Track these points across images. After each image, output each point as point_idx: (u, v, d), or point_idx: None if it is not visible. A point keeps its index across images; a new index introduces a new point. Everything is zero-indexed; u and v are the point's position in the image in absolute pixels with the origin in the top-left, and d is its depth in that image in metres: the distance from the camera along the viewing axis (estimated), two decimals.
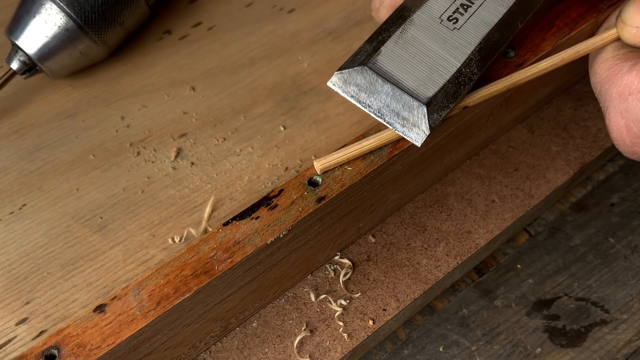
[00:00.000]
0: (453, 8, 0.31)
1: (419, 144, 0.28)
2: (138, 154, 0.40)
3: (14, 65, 0.40)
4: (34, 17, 0.39)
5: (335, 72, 0.30)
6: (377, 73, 0.29)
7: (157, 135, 0.41)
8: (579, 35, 0.34)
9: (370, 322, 0.35)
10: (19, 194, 0.38)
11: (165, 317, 0.26)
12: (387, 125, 0.29)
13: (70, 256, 0.36)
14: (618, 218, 0.42)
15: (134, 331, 0.26)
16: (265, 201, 0.29)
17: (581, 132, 0.42)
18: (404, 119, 0.29)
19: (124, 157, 0.40)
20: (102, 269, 0.36)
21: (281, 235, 0.28)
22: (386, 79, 0.29)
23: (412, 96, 0.28)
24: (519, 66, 0.32)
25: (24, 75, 0.41)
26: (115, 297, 0.26)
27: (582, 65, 0.34)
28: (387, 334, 0.38)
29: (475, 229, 0.38)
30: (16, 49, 0.40)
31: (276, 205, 0.29)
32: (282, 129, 0.41)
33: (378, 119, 0.29)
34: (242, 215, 0.28)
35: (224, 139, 0.41)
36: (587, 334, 0.38)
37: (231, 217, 0.28)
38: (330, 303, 0.35)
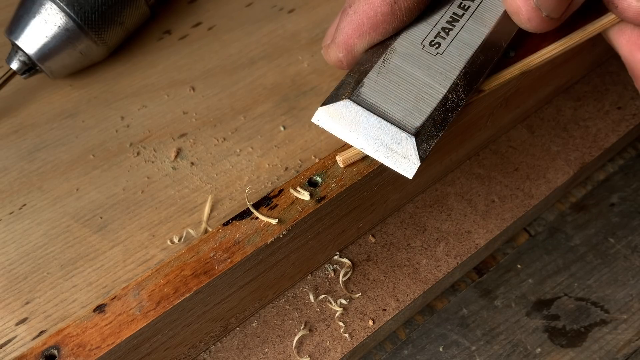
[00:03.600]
0: (434, 33, 0.30)
1: (410, 177, 0.27)
2: (138, 154, 0.40)
3: (14, 65, 0.40)
4: (34, 17, 0.39)
5: (319, 107, 0.28)
6: (361, 106, 0.28)
7: (157, 135, 0.41)
8: (579, 35, 0.34)
9: (370, 322, 0.35)
10: (19, 194, 0.38)
11: (165, 317, 0.26)
12: (375, 158, 0.28)
13: (70, 256, 0.36)
14: (618, 218, 0.42)
15: (134, 331, 0.26)
16: (265, 201, 0.29)
17: (581, 132, 0.42)
18: (393, 151, 0.27)
19: (124, 157, 0.40)
20: (102, 269, 0.36)
21: (281, 235, 0.28)
22: (371, 111, 0.28)
23: (400, 127, 0.27)
24: None
25: (24, 75, 0.40)
26: (115, 297, 0.26)
27: (582, 65, 0.34)
28: (387, 334, 0.38)
29: (475, 229, 0.38)
30: (16, 49, 0.40)
31: (276, 205, 0.29)
32: (282, 129, 0.41)
33: (366, 152, 0.28)
34: (242, 215, 0.28)
35: (224, 139, 0.41)
36: (587, 334, 0.38)
37: (231, 217, 0.28)
38: (330, 303, 0.35)
